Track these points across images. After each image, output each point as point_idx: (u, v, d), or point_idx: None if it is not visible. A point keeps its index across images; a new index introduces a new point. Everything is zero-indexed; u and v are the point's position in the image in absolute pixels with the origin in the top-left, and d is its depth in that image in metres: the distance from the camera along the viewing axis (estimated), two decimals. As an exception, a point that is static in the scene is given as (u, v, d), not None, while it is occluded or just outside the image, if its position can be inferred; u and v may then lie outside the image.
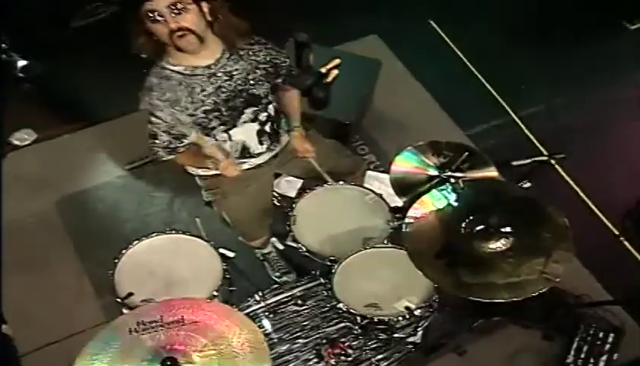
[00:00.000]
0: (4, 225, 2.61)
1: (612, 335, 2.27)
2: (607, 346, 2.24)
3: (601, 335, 2.27)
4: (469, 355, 2.30)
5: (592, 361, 2.22)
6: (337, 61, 2.85)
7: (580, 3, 3.47)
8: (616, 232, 2.64)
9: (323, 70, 2.80)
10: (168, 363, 1.48)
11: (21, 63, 3.15)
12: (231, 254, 2.08)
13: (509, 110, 3.08)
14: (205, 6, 1.76)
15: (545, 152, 2.53)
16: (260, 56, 1.98)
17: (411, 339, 2.06)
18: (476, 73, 3.27)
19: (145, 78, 1.91)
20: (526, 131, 2.99)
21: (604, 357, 2.23)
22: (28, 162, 2.93)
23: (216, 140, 2.04)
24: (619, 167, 2.44)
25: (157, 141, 1.96)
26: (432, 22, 3.48)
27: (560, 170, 2.77)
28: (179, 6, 1.69)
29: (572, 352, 2.24)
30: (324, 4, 3.45)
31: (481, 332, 2.32)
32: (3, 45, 3.07)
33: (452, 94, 3.12)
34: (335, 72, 2.82)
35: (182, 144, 1.99)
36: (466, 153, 2.05)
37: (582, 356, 2.23)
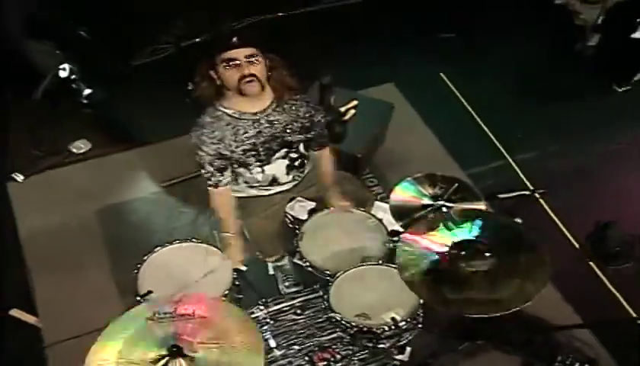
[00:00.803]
0: (51, 226, 2.75)
1: (587, 365, 2.23)
2: (582, 375, 2.21)
3: (577, 365, 2.22)
4: (453, 376, 2.28)
5: (567, 389, 2.18)
6: (354, 102, 2.92)
7: (577, 67, 3.56)
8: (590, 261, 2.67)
9: (342, 109, 2.87)
10: (174, 349, 1.52)
11: (86, 91, 3.28)
12: (243, 267, 2.16)
13: (505, 154, 3.11)
14: (267, 61, 1.98)
15: (530, 187, 2.60)
16: (302, 111, 2.14)
17: (399, 357, 2.06)
18: (478, 120, 3.32)
19: (200, 115, 2.06)
20: (520, 172, 3.01)
21: (579, 388, 2.18)
22: (79, 174, 3.03)
23: (251, 174, 2.15)
24: (597, 204, 2.47)
25: (203, 170, 2.09)
26: (442, 75, 3.56)
27: (543, 204, 2.80)
28: (253, 58, 1.92)
29: (549, 380, 2.20)
30: (348, 55, 3.54)
31: (465, 354, 2.30)
32: (73, 76, 3.24)
33: (456, 138, 3.17)
34: (352, 111, 2.89)
35: (221, 181, 2.10)
36: (456, 185, 2.10)
37: (558, 384, 2.19)
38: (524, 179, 2.98)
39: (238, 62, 1.92)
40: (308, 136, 2.19)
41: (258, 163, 2.12)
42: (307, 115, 2.15)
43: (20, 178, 2.96)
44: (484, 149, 3.16)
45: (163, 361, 1.52)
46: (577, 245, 2.70)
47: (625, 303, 2.56)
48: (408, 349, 2.10)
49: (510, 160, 3.08)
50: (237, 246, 2.17)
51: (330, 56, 3.48)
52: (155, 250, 2.10)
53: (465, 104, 3.42)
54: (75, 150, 3.13)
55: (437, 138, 3.20)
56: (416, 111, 3.34)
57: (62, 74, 3.20)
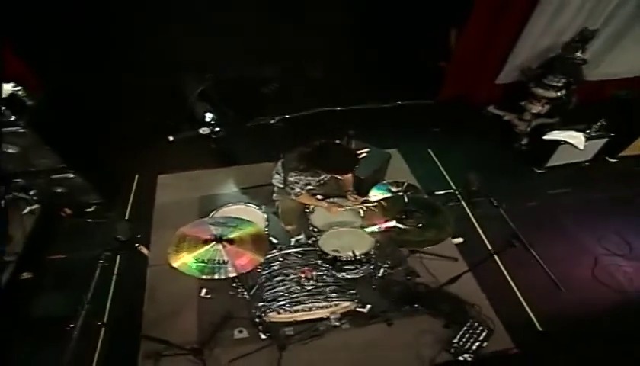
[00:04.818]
0: (171, 202, 3.12)
1: (486, 331, 2.27)
2: (481, 337, 2.24)
3: (480, 329, 2.27)
4: (394, 327, 2.36)
5: (469, 344, 2.22)
6: (367, 149, 3.12)
7: (513, 154, 3.80)
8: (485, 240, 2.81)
9: (358, 152, 3.02)
10: (218, 238, 1.88)
11: (216, 129, 3.79)
12: (275, 240, 2.48)
13: (462, 200, 3.24)
14: None
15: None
16: None
17: (361, 309, 2.23)
18: (448, 179, 3.49)
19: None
20: (467, 209, 3.17)
21: (476, 344, 2.22)
22: (197, 176, 3.40)
23: None
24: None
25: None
26: (429, 150, 3.80)
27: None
28: None
29: (458, 337, 2.25)
30: (373, 136, 3.61)
31: (405, 313, 2.40)
32: (213, 121, 3.83)
33: (432, 187, 3.31)
34: (364, 154, 3.08)
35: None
36: (406, 182, 2.48)
37: (464, 340, 2.23)
38: (467, 210, 3.15)
39: None
40: None
41: None
42: None
43: (171, 138, 3.54)
44: (447, 194, 3.30)
45: (211, 244, 1.89)
46: (476, 224, 2.92)
47: (485, 240, 2.73)
48: (368, 305, 2.27)
49: (464, 203, 3.21)
50: (334, 207, 2.40)
51: (354, 123, 3.59)
52: (226, 206, 2.48)
53: (441, 168, 3.63)
54: (202, 132, 3.72)
55: (419, 184, 3.27)
56: (409, 169, 3.55)
57: (207, 119, 3.82)
